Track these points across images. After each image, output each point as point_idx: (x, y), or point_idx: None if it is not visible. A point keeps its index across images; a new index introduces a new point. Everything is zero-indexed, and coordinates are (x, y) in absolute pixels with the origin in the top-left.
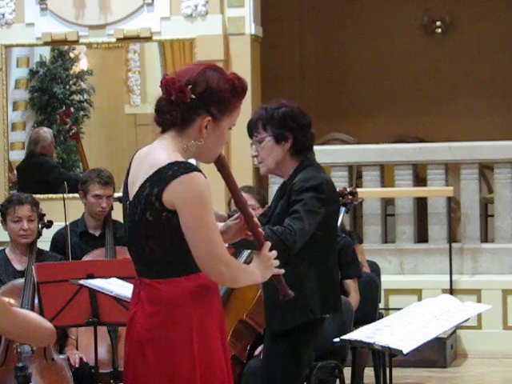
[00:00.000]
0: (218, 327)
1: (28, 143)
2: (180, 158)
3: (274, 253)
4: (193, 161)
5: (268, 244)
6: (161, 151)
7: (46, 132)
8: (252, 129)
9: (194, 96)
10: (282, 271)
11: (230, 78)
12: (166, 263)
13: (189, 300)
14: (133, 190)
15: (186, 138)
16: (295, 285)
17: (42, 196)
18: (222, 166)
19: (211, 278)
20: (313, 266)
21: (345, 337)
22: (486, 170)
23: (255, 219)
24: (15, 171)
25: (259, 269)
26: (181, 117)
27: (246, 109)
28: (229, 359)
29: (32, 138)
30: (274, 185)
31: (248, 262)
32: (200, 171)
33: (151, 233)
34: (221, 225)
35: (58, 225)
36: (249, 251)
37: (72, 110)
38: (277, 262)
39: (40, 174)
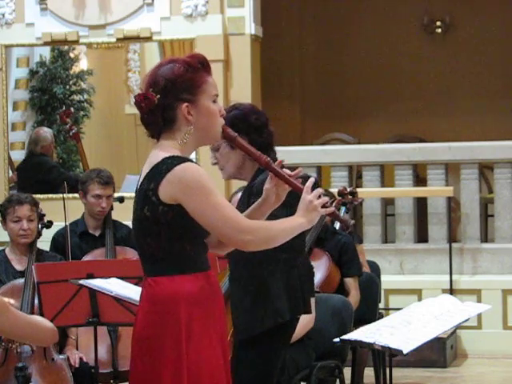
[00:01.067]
0: (216, 328)
1: (28, 143)
2: (176, 153)
3: (316, 193)
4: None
5: (307, 187)
6: (157, 152)
7: (46, 132)
8: None
9: (159, 95)
10: (332, 209)
11: (183, 59)
12: (163, 261)
13: (181, 300)
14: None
15: (178, 134)
16: (260, 289)
17: (41, 196)
18: (231, 138)
19: (246, 249)
20: (279, 266)
21: (345, 337)
22: (485, 170)
23: (284, 170)
24: (15, 171)
25: (303, 215)
26: (162, 119)
27: None
28: (228, 361)
29: (32, 138)
30: (240, 183)
31: None
32: (194, 162)
33: (149, 229)
34: (259, 199)
35: (58, 225)
36: None
37: (72, 109)
38: (322, 201)
39: (40, 174)
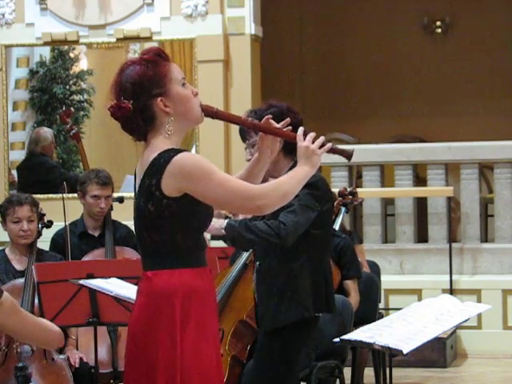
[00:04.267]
0: (211, 325)
1: (28, 143)
2: (168, 146)
3: (310, 137)
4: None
5: (299, 135)
6: (149, 151)
7: (47, 132)
8: (244, 133)
9: (131, 100)
10: (330, 145)
11: (140, 58)
12: (165, 253)
13: (176, 293)
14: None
15: (162, 128)
16: (289, 282)
17: (41, 196)
18: (212, 113)
19: (264, 213)
20: (307, 263)
21: (345, 337)
22: (485, 170)
23: (272, 124)
24: (13, 172)
25: (304, 163)
26: (143, 121)
27: (246, 109)
28: (220, 358)
29: (32, 138)
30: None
31: (248, 262)
32: (188, 151)
33: (152, 223)
34: (254, 156)
35: (58, 225)
36: (249, 252)
37: (72, 109)
38: (318, 142)
39: (40, 174)
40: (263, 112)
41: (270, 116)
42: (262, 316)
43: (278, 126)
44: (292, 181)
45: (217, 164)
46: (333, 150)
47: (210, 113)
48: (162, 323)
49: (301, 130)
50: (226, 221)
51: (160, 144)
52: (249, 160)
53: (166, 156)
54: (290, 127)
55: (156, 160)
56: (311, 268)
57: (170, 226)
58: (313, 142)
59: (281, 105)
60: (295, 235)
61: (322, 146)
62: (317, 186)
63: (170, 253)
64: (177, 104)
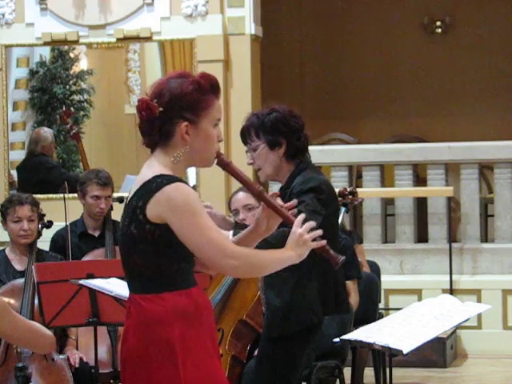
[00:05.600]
0: (210, 336)
1: (28, 143)
2: (166, 172)
3: (307, 227)
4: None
5: (298, 220)
6: (147, 170)
7: (47, 132)
8: (245, 136)
9: (161, 108)
10: (324, 242)
11: (195, 79)
12: (149, 278)
13: (172, 318)
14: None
15: (172, 150)
16: (297, 289)
17: (42, 196)
18: (225, 164)
19: (230, 275)
20: (315, 268)
21: (345, 337)
22: (485, 170)
23: (277, 201)
24: (13, 172)
25: (292, 248)
26: (159, 132)
27: (246, 109)
28: (225, 376)
29: (32, 138)
30: (275, 185)
31: None
32: (184, 182)
33: (135, 246)
34: (249, 227)
35: (58, 225)
36: None
37: (72, 109)
38: (313, 235)
39: (40, 173)
40: (265, 116)
41: (278, 193)
42: (269, 323)
43: (282, 204)
44: (271, 257)
45: (217, 172)
46: (324, 250)
47: (222, 162)
48: (163, 350)
49: (301, 216)
50: (231, 232)
51: (160, 166)
52: (250, 164)
53: (159, 182)
54: (294, 210)
55: (148, 183)
56: (319, 271)
57: (153, 251)
58: (309, 232)
59: (283, 109)
60: None
61: (315, 239)
62: (321, 190)
63: (155, 277)
64: (198, 138)
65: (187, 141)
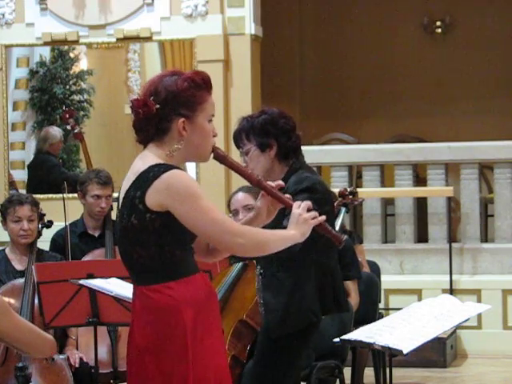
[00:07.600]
0: (218, 325)
1: (37, 141)
2: (162, 162)
3: (304, 206)
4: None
5: (297, 203)
6: (141, 161)
7: (56, 130)
8: (237, 140)
9: (158, 105)
10: (323, 218)
11: (188, 75)
12: (154, 269)
13: (181, 305)
14: (121, 201)
15: (168, 145)
16: (296, 289)
17: (42, 196)
18: (222, 158)
19: (237, 253)
20: (312, 267)
21: (345, 337)
22: (485, 169)
23: (275, 188)
24: (12, 171)
25: (294, 228)
26: (155, 129)
27: (246, 109)
28: (226, 357)
29: (41, 136)
30: None
31: (248, 262)
32: (181, 169)
33: (137, 238)
34: (250, 214)
35: (58, 225)
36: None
37: (73, 110)
38: (312, 214)
39: (41, 172)
40: (254, 119)
41: (280, 182)
42: (268, 324)
43: (279, 191)
44: (275, 236)
45: (217, 172)
46: (327, 231)
47: (219, 156)
48: (175, 340)
49: (297, 203)
50: None
51: (154, 158)
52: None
53: (156, 170)
54: (289, 195)
55: (145, 173)
56: (317, 271)
57: (155, 240)
58: (308, 211)
59: (272, 111)
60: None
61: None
62: (315, 189)
63: (159, 267)
64: (194, 133)
65: (184, 136)
